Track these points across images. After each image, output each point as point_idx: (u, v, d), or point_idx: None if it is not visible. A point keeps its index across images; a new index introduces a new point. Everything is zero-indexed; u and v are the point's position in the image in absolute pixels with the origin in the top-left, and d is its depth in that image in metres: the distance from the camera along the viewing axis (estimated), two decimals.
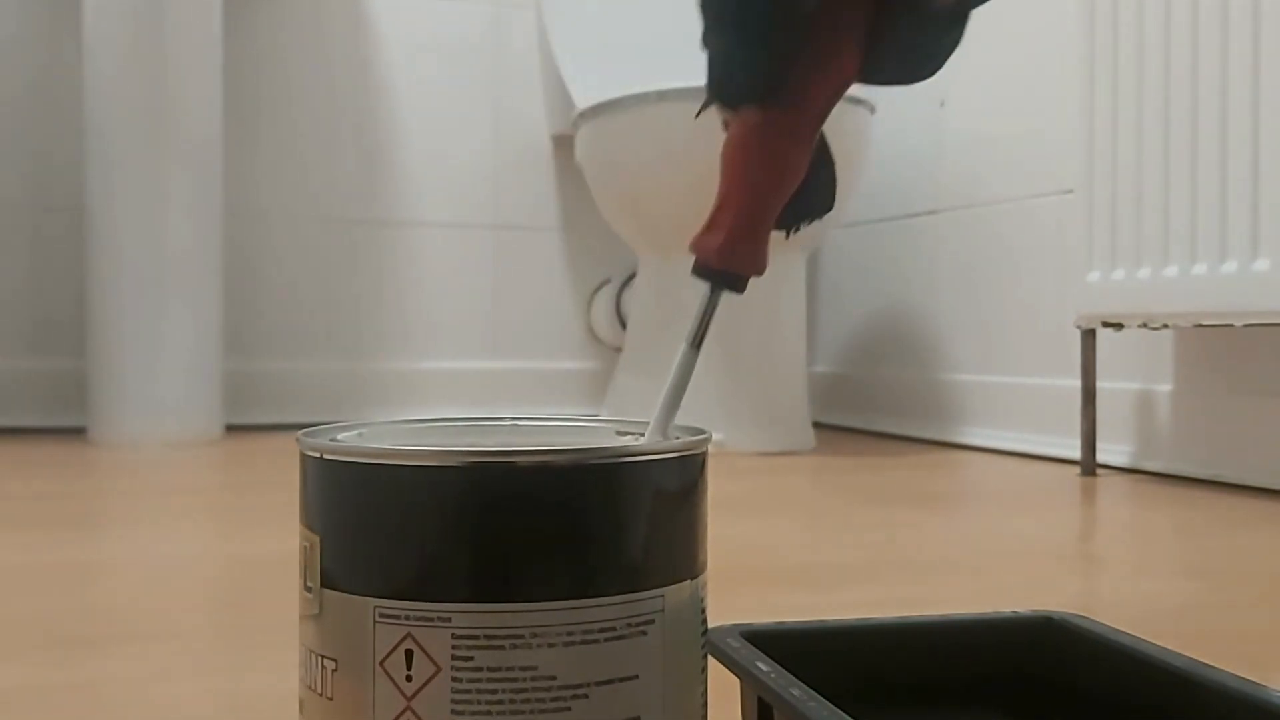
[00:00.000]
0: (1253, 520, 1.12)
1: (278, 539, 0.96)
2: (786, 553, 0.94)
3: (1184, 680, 0.39)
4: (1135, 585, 0.84)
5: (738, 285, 0.34)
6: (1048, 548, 0.99)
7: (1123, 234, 1.34)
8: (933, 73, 0.34)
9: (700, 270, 0.34)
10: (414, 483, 0.30)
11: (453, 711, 0.29)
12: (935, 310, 1.91)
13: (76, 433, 1.84)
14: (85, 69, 1.79)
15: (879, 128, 1.87)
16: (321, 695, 0.30)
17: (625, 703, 0.30)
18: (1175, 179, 1.26)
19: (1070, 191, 1.51)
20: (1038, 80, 1.65)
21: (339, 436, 0.33)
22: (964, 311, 1.84)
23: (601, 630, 0.29)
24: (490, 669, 0.29)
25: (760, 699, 0.40)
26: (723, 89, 0.33)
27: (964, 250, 1.83)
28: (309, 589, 0.31)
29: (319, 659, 0.30)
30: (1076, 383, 1.48)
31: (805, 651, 0.43)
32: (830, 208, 0.36)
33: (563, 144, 2.14)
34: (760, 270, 0.34)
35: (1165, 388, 1.46)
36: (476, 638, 0.29)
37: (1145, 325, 1.33)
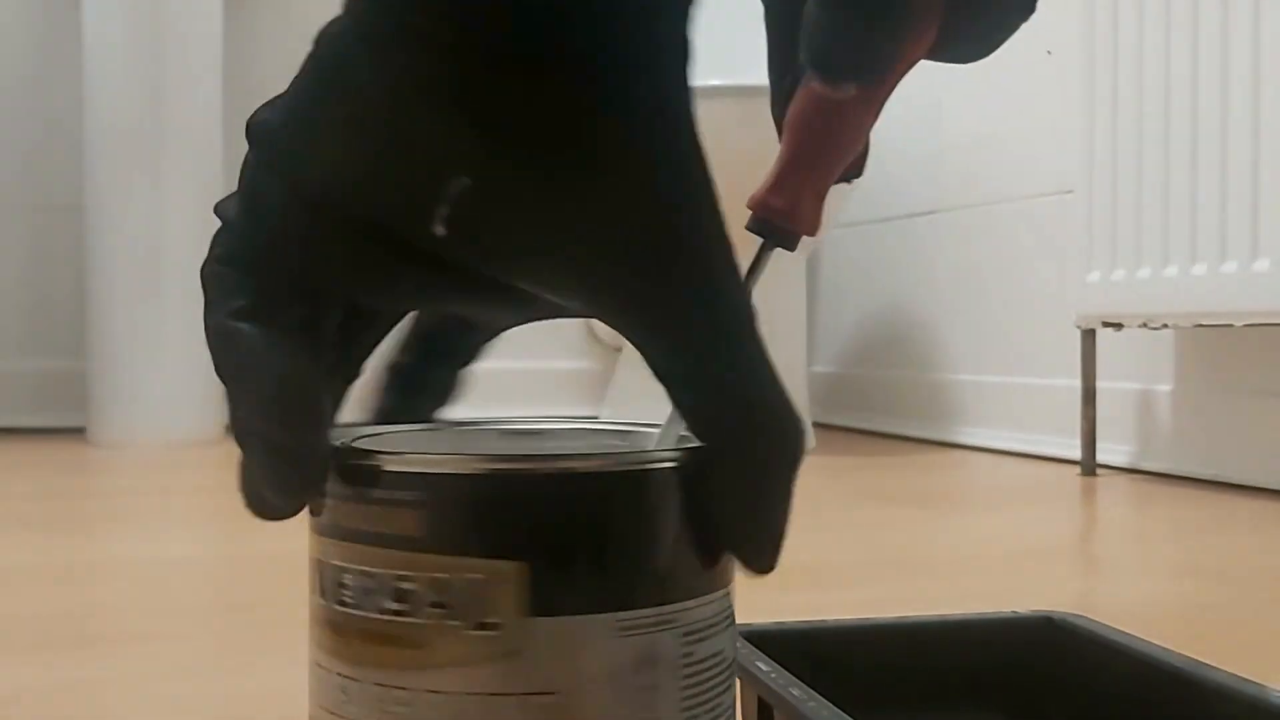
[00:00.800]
0: (1253, 520, 1.12)
1: (278, 539, 0.96)
2: (787, 553, 0.94)
3: (1184, 680, 0.39)
4: (1135, 585, 0.84)
5: (793, 243, 0.35)
6: (1047, 548, 0.99)
7: (1123, 234, 1.34)
8: (990, 52, 0.35)
9: (761, 225, 0.35)
10: (645, 488, 0.30)
11: (683, 710, 0.30)
12: (935, 310, 1.91)
13: (76, 433, 1.84)
14: (85, 68, 1.79)
15: (879, 128, 1.87)
16: None
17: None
18: (1175, 179, 1.26)
19: (1070, 191, 1.51)
20: (1038, 80, 1.65)
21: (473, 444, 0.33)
22: (964, 312, 1.84)
23: (726, 616, 0.32)
24: (703, 659, 0.30)
25: (760, 699, 0.40)
26: (826, 62, 0.33)
27: (964, 250, 1.83)
28: (489, 625, 0.28)
29: (523, 699, 0.29)
30: (1076, 383, 1.48)
31: (805, 651, 0.43)
32: (860, 174, 0.37)
33: None
34: (815, 231, 0.35)
35: (1165, 388, 1.46)
36: (697, 631, 0.30)
37: (1145, 325, 1.33)
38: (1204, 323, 1.24)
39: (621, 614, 0.28)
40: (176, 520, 1.10)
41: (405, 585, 0.28)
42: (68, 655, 0.62)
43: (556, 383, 2.21)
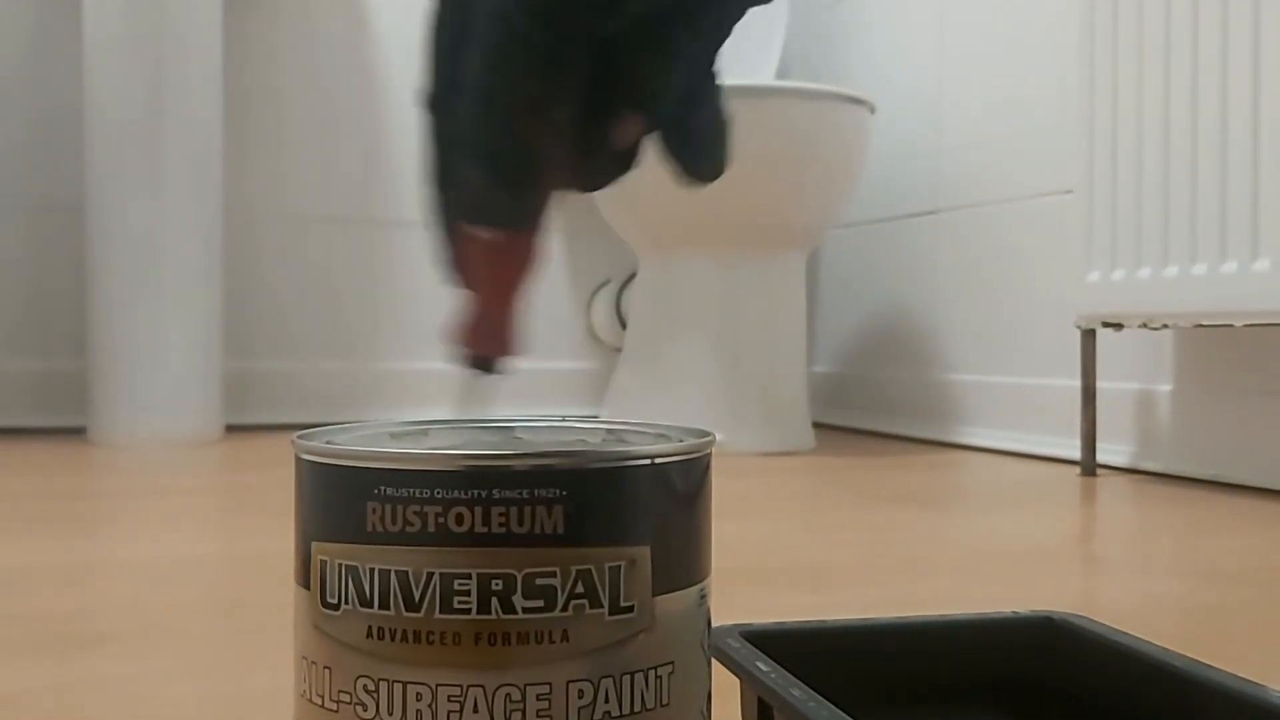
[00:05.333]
0: (1253, 520, 1.12)
1: (277, 539, 0.96)
2: (786, 553, 0.94)
3: (1184, 680, 0.39)
4: (1135, 585, 0.84)
5: (501, 370, 0.39)
6: (1048, 548, 0.99)
7: (1123, 234, 1.34)
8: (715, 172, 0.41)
9: (473, 362, 0.39)
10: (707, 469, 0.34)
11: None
12: (935, 310, 1.91)
13: (76, 433, 1.84)
14: (85, 71, 1.79)
15: (879, 128, 1.87)
16: (655, 709, 0.31)
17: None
18: (1175, 179, 1.26)
19: (1070, 191, 1.51)
20: (1038, 80, 1.65)
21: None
22: (964, 311, 1.84)
23: None
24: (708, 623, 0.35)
25: (760, 699, 0.40)
26: (487, 217, 0.38)
27: (964, 250, 1.83)
28: (627, 608, 0.30)
29: (648, 675, 0.30)
30: (1076, 383, 1.48)
31: (805, 651, 0.43)
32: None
33: None
34: (514, 351, 0.39)
35: (1165, 388, 1.46)
36: (708, 595, 0.35)
37: (1145, 325, 1.33)
38: (1204, 323, 1.24)
39: (701, 584, 0.32)
40: (176, 520, 1.09)
41: (544, 581, 0.29)
42: (68, 655, 0.62)
43: (556, 383, 2.21)
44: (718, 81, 0.40)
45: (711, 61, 0.40)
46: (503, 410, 2.01)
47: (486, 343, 0.38)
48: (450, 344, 0.38)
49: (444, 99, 0.38)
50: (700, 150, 0.40)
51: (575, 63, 0.36)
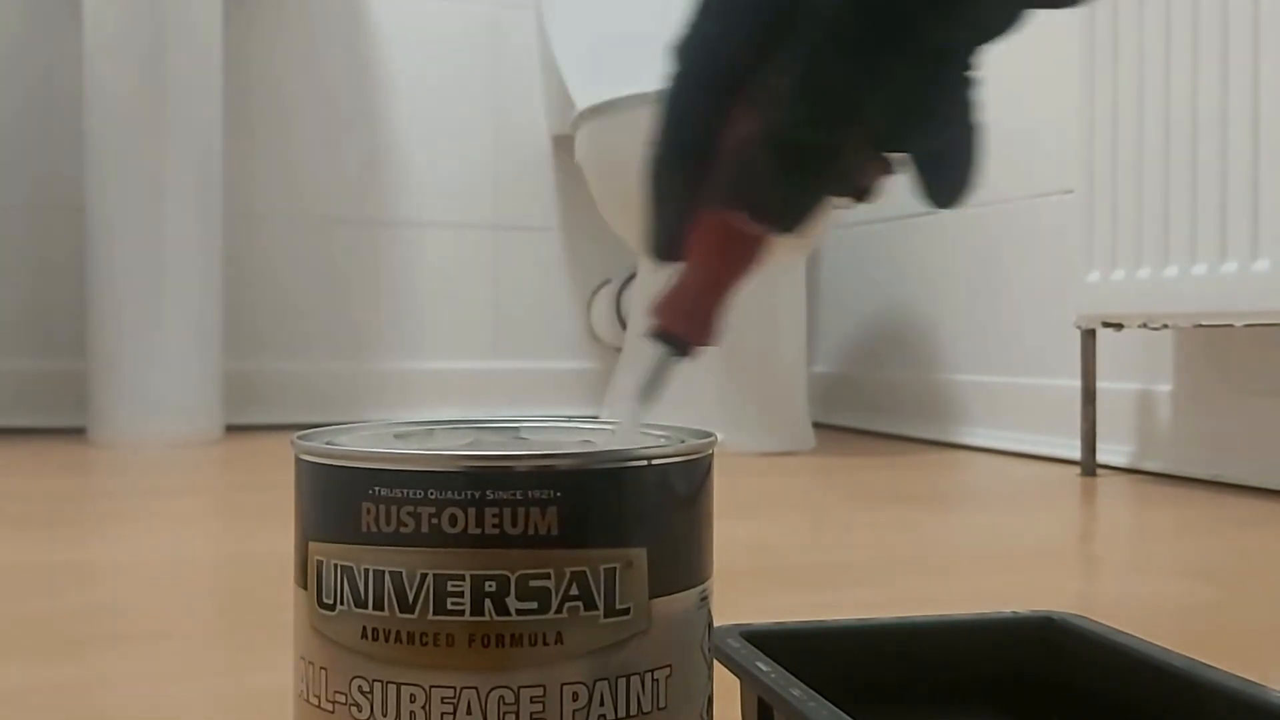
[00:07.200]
0: (1253, 520, 1.12)
1: (278, 539, 0.96)
2: (786, 553, 0.94)
3: (1184, 680, 0.39)
4: (1135, 585, 0.84)
5: (693, 355, 0.38)
6: (1047, 548, 0.99)
7: (1123, 234, 1.34)
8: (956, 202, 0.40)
9: (668, 339, 0.37)
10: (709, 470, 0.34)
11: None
12: (935, 310, 1.91)
13: (76, 433, 1.84)
14: (85, 70, 1.79)
15: None
16: (653, 712, 0.30)
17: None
18: (1175, 179, 1.26)
19: (1070, 191, 1.51)
20: (1038, 80, 1.65)
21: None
22: (964, 311, 1.84)
23: None
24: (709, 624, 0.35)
25: (760, 699, 0.40)
26: (774, 213, 0.37)
27: (964, 250, 1.83)
28: (623, 610, 0.30)
29: (645, 678, 0.30)
30: (1076, 383, 1.48)
31: (805, 651, 0.43)
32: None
33: (563, 144, 2.14)
34: (715, 343, 0.38)
35: (1165, 388, 1.46)
36: (709, 597, 0.34)
37: (1145, 325, 1.33)
38: (1204, 323, 1.24)
39: (701, 586, 0.32)
40: (176, 520, 1.09)
41: (538, 583, 0.29)
42: (68, 655, 0.62)
43: (556, 383, 2.21)
44: (972, 98, 0.38)
45: (968, 80, 0.37)
46: (514, 410, 1.98)
47: (688, 323, 0.37)
48: (650, 316, 0.37)
49: (706, 59, 0.37)
50: (945, 176, 0.39)
51: (890, 78, 0.34)
